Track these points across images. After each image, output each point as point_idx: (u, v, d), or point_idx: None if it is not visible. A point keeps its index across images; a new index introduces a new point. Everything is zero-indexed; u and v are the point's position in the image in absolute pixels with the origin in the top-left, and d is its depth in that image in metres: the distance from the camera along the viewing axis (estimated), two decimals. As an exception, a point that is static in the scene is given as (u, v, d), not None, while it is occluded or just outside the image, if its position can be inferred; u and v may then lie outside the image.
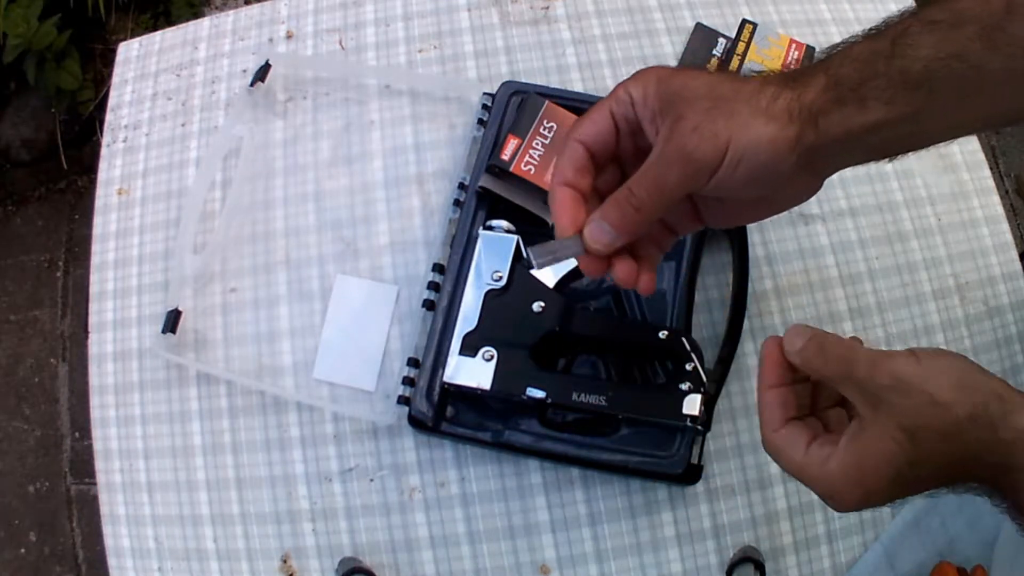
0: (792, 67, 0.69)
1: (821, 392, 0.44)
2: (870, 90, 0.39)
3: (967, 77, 0.39)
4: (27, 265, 1.64)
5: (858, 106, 0.40)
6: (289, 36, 0.75)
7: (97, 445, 0.65)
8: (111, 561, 0.62)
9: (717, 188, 0.41)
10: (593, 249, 0.43)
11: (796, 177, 0.42)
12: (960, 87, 0.39)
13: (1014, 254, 0.68)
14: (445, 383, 0.57)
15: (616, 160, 0.45)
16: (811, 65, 0.41)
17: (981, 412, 0.38)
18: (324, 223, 0.68)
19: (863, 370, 0.40)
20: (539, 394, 0.54)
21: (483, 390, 0.55)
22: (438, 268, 0.63)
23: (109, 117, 0.74)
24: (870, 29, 0.41)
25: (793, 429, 0.42)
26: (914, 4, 0.74)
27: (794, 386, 0.43)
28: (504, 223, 0.60)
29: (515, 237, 0.59)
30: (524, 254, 0.59)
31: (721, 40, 0.72)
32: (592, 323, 0.58)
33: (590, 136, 0.44)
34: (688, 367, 0.54)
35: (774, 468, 0.61)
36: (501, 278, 0.58)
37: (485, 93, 0.68)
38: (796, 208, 0.68)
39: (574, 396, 0.54)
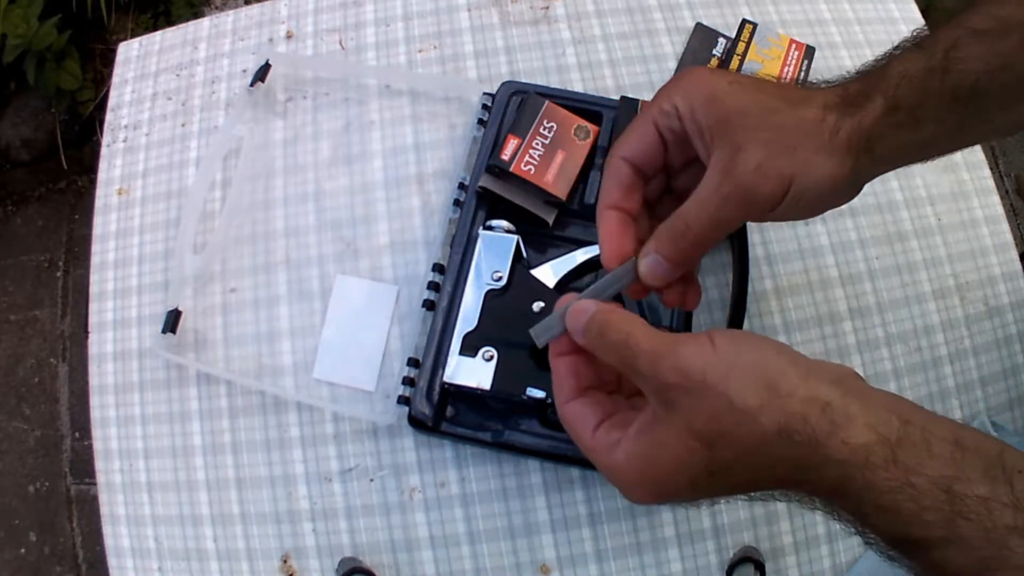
0: (793, 67, 0.69)
1: None
2: (925, 111, 0.39)
3: (1012, 87, 0.38)
4: (27, 265, 1.64)
5: (912, 127, 0.39)
6: (289, 36, 0.75)
7: (97, 445, 0.65)
8: (111, 561, 0.62)
9: (771, 217, 0.41)
10: (650, 284, 0.42)
11: (842, 196, 0.42)
12: (1004, 96, 0.39)
13: (1014, 254, 0.68)
14: (445, 383, 0.57)
15: (663, 169, 0.44)
16: (869, 83, 0.39)
17: (798, 426, 0.32)
18: (324, 223, 0.68)
19: (644, 364, 0.35)
20: (539, 394, 0.54)
21: (483, 390, 0.55)
22: (438, 268, 0.63)
23: (109, 117, 0.74)
24: (918, 37, 0.40)
25: (585, 404, 0.38)
26: (921, 19, 0.74)
27: (588, 355, 0.39)
28: (504, 223, 0.60)
29: (515, 237, 0.59)
30: (525, 254, 0.59)
31: (721, 40, 0.72)
32: (592, 323, 0.58)
33: (634, 151, 0.42)
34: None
35: (774, 468, 0.61)
36: (501, 278, 0.58)
37: (485, 93, 0.68)
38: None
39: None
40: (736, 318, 0.61)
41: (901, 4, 0.75)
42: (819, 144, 0.38)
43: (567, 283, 0.59)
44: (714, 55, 0.72)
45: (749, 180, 0.38)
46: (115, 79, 0.76)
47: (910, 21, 0.74)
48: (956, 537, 0.31)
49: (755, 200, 0.39)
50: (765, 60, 0.68)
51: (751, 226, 0.65)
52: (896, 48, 0.40)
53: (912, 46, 0.40)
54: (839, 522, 0.35)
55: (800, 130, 0.39)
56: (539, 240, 0.62)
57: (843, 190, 0.40)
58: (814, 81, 0.42)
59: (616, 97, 0.65)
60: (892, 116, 0.39)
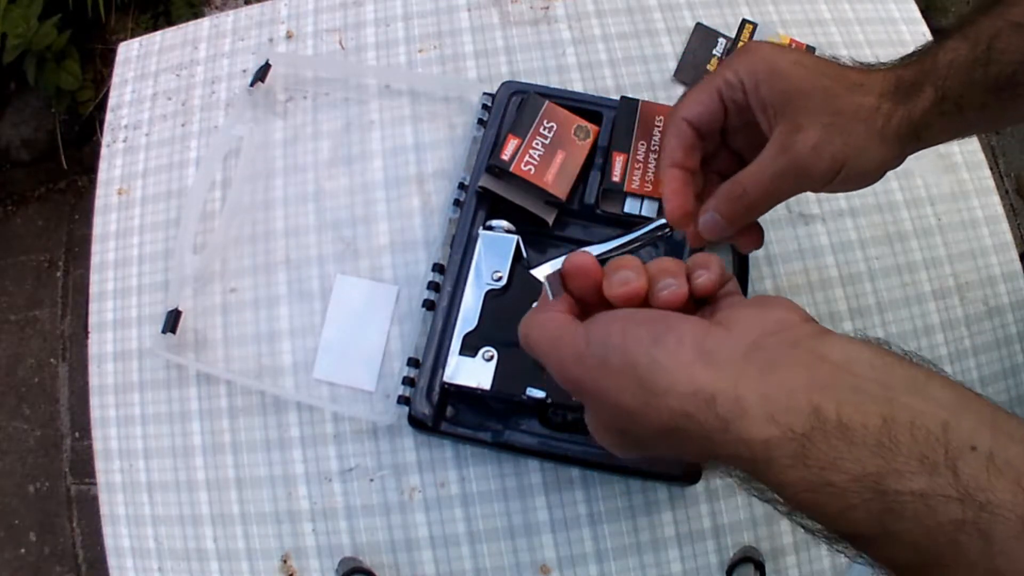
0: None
1: None
2: (969, 99, 0.41)
3: None
4: (27, 265, 1.64)
5: (956, 114, 0.42)
6: (289, 36, 0.75)
7: (97, 445, 0.65)
8: (111, 561, 0.62)
9: (820, 190, 0.44)
10: (706, 237, 0.45)
11: (885, 174, 0.45)
12: None
13: (1014, 254, 0.68)
14: (445, 383, 0.56)
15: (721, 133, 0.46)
16: (921, 72, 0.42)
17: (684, 424, 0.30)
18: (324, 223, 0.68)
19: (549, 367, 0.36)
20: (539, 394, 0.54)
21: (483, 390, 0.55)
22: (438, 268, 0.63)
23: (109, 117, 0.74)
24: (962, 24, 0.43)
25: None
26: (921, 19, 0.74)
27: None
28: (504, 223, 0.60)
29: (515, 237, 0.59)
30: (525, 254, 0.59)
31: (721, 40, 0.72)
32: (592, 323, 0.58)
33: (697, 115, 0.44)
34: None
35: (774, 468, 0.61)
36: (501, 278, 0.58)
37: (485, 93, 0.68)
38: (796, 208, 0.68)
39: (574, 396, 0.54)
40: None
41: (901, 4, 0.75)
42: (872, 131, 0.42)
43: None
44: (714, 55, 0.72)
45: (805, 158, 0.41)
46: (115, 79, 0.76)
47: (910, 21, 0.74)
48: (893, 535, 0.27)
49: (808, 176, 0.42)
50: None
51: (751, 226, 0.65)
52: (942, 34, 0.43)
53: (958, 35, 0.43)
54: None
55: (856, 116, 0.41)
56: (539, 240, 0.62)
57: (887, 170, 0.44)
58: (870, 64, 0.44)
59: (616, 97, 0.65)
60: (940, 105, 0.41)
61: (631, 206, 0.62)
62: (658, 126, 0.63)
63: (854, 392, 0.28)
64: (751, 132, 0.44)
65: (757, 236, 0.47)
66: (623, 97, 0.64)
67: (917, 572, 0.28)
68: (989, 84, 0.41)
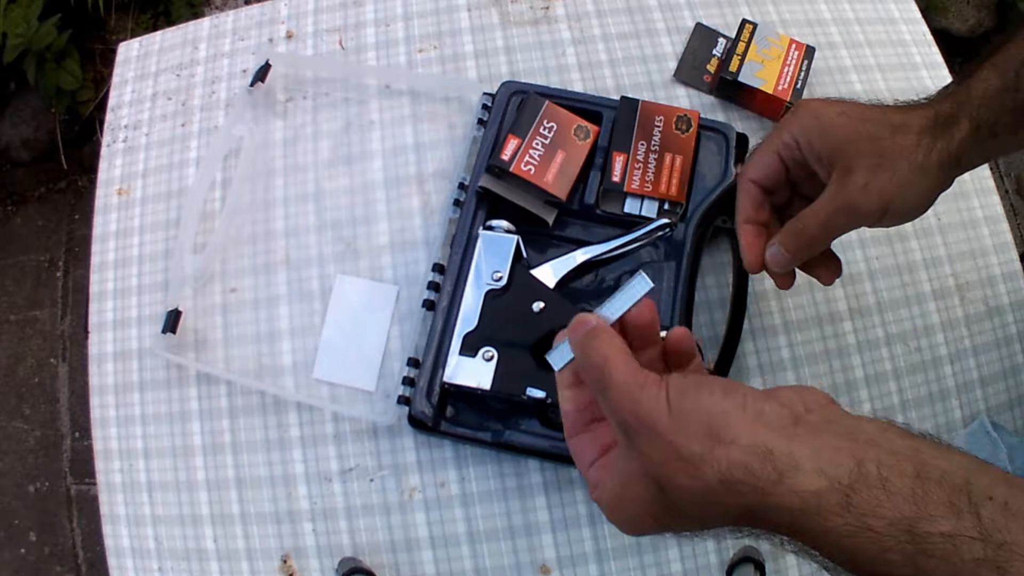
0: (793, 67, 0.69)
1: None
2: (1002, 126, 0.46)
3: None
4: (27, 265, 1.64)
5: (990, 141, 0.47)
6: (289, 36, 0.75)
7: (97, 445, 0.65)
8: (111, 561, 0.62)
9: (873, 225, 0.50)
10: (772, 270, 0.53)
11: (932, 204, 0.49)
12: None
13: (1014, 254, 0.68)
14: (445, 383, 0.57)
15: (787, 184, 0.53)
16: (956, 105, 0.47)
17: (740, 476, 0.32)
18: (324, 223, 0.68)
19: (613, 397, 0.35)
20: (539, 394, 0.54)
21: (483, 390, 0.55)
22: (438, 268, 0.63)
23: (109, 117, 0.74)
24: (992, 53, 0.47)
25: (584, 440, 0.39)
26: (921, 18, 0.74)
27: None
28: (504, 223, 0.60)
29: (515, 237, 0.59)
30: (525, 254, 0.59)
31: (721, 40, 0.72)
32: (592, 323, 0.58)
33: (762, 176, 0.52)
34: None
35: (774, 468, 0.61)
36: (501, 278, 0.58)
37: (485, 93, 0.68)
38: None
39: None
40: (736, 318, 0.61)
41: (901, 4, 0.75)
42: (914, 166, 0.47)
43: (567, 283, 0.59)
44: (714, 55, 0.72)
45: (856, 196, 0.47)
46: (115, 79, 0.76)
47: (910, 21, 0.74)
48: (923, 573, 0.31)
49: (859, 212, 0.48)
50: (765, 60, 0.68)
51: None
52: (973, 65, 0.48)
53: (988, 64, 0.47)
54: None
55: (900, 155, 0.47)
56: (539, 240, 0.62)
57: (935, 197, 0.49)
58: (911, 101, 0.50)
59: (616, 97, 0.65)
60: (976, 134, 0.46)
61: (631, 206, 0.62)
62: (658, 126, 0.63)
63: (889, 453, 0.32)
64: (814, 181, 0.51)
65: (835, 267, 0.54)
66: (623, 97, 0.64)
67: None
68: (1019, 109, 0.45)
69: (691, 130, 0.62)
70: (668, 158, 0.62)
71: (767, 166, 0.52)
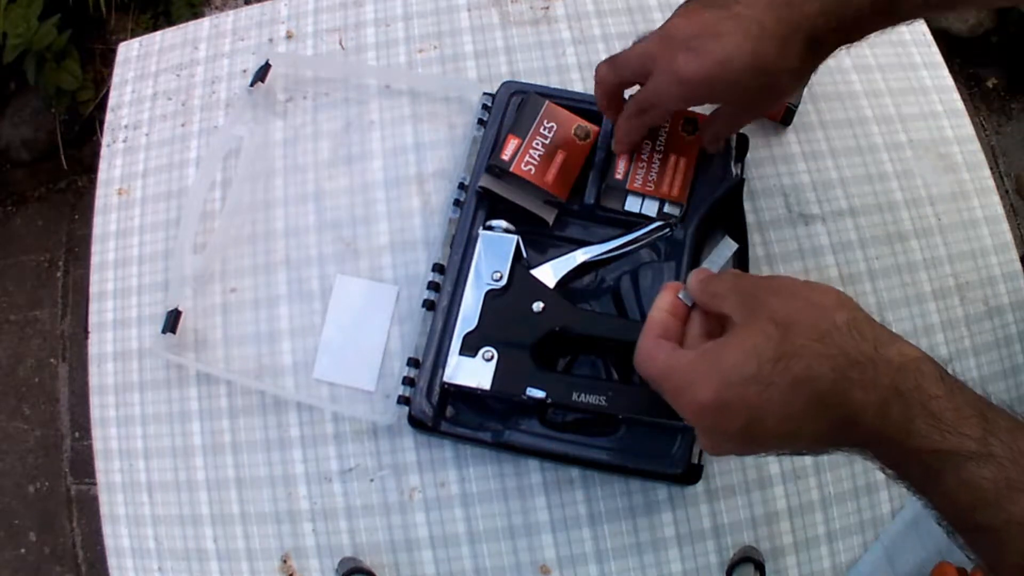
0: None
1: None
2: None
3: None
4: (27, 265, 1.64)
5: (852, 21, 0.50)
6: (289, 36, 0.75)
7: (97, 445, 0.65)
8: (111, 561, 0.62)
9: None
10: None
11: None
12: None
13: (1014, 254, 0.68)
14: (445, 383, 0.57)
15: None
16: None
17: (864, 327, 0.38)
18: (324, 223, 0.68)
19: (749, 282, 0.43)
20: (539, 394, 0.54)
21: (483, 390, 0.55)
22: (438, 268, 0.63)
23: (109, 117, 0.74)
24: None
25: (668, 342, 0.44)
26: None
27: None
28: (504, 223, 0.60)
29: (515, 237, 0.59)
30: (525, 254, 0.59)
31: (721, 40, 0.72)
32: (592, 323, 0.58)
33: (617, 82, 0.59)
34: (688, 367, 0.54)
35: (774, 468, 0.61)
36: (501, 278, 0.58)
37: (485, 93, 0.68)
38: (796, 208, 0.68)
39: (574, 396, 0.54)
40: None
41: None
42: (748, 34, 0.48)
43: (567, 283, 0.60)
44: (714, 55, 0.72)
45: (680, 65, 0.52)
46: (115, 79, 0.76)
47: (910, 21, 0.74)
48: (988, 453, 0.35)
49: (683, 78, 0.52)
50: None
51: (751, 226, 0.65)
52: None
53: None
54: (870, 453, 0.39)
55: (731, 27, 0.49)
56: (539, 240, 0.62)
57: (781, 68, 0.49)
58: None
59: (616, 97, 0.65)
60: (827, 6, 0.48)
61: (632, 204, 0.62)
62: (664, 127, 0.63)
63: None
64: None
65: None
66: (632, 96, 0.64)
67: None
68: None
69: (697, 133, 0.62)
70: (673, 159, 0.62)
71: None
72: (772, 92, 0.52)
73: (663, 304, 0.46)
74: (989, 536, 0.36)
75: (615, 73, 0.55)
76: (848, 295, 0.40)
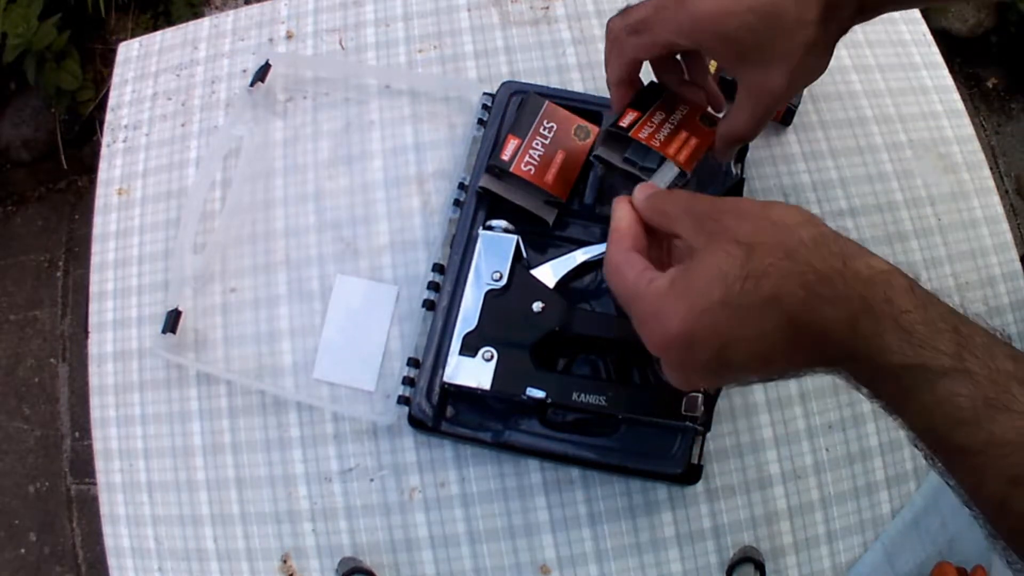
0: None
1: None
2: None
3: None
4: (27, 265, 1.64)
5: (874, 12, 0.49)
6: (289, 36, 0.75)
7: (97, 445, 0.65)
8: (111, 561, 0.62)
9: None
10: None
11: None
12: None
13: (1014, 254, 0.68)
14: (445, 383, 0.57)
15: None
16: None
17: (830, 241, 0.37)
18: (324, 223, 0.68)
19: (704, 203, 0.41)
20: (539, 394, 0.54)
21: (483, 390, 0.55)
22: (438, 268, 0.63)
23: (109, 117, 0.74)
24: None
25: (638, 255, 0.44)
26: (920, 18, 0.74)
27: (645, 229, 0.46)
28: (504, 223, 0.60)
29: (515, 237, 0.59)
30: (525, 254, 0.59)
31: (721, 40, 0.72)
32: (592, 323, 0.58)
33: (629, 78, 0.55)
34: (688, 367, 0.54)
35: (774, 468, 0.61)
36: (501, 278, 0.58)
37: (485, 93, 0.68)
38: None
39: (574, 396, 0.54)
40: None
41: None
42: (813, 52, 0.47)
43: (567, 283, 0.59)
44: (714, 55, 0.71)
45: (778, 93, 0.49)
46: (115, 79, 0.76)
47: (910, 21, 0.74)
48: (964, 369, 0.34)
49: (779, 104, 0.50)
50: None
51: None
52: None
53: None
54: (844, 371, 0.38)
55: (803, 47, 0.47)
56: (539, 240, 0.62)
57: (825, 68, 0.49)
58: None
59: (616, 97, 0.65)
60: (861, 12, 0.47)
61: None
62: (681, 109, 0.60)
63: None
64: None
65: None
66: (651, 82, 0.63)
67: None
68: None
69: (713, 127, 0.59)
70: (684, 134, 0.57)
71: (631, 67, 0.52)
72: (782, 49, 0.47)
73: (623, 214, 0.46)
74: (968, 458, 0.35)
75: (623, 19, 0.51)
76: (809, 210, 0.40)
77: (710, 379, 0.41)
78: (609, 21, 0.51)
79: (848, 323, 0.36)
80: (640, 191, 0.46)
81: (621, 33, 0.50)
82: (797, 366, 0.39)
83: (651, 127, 0.56)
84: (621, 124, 0.54)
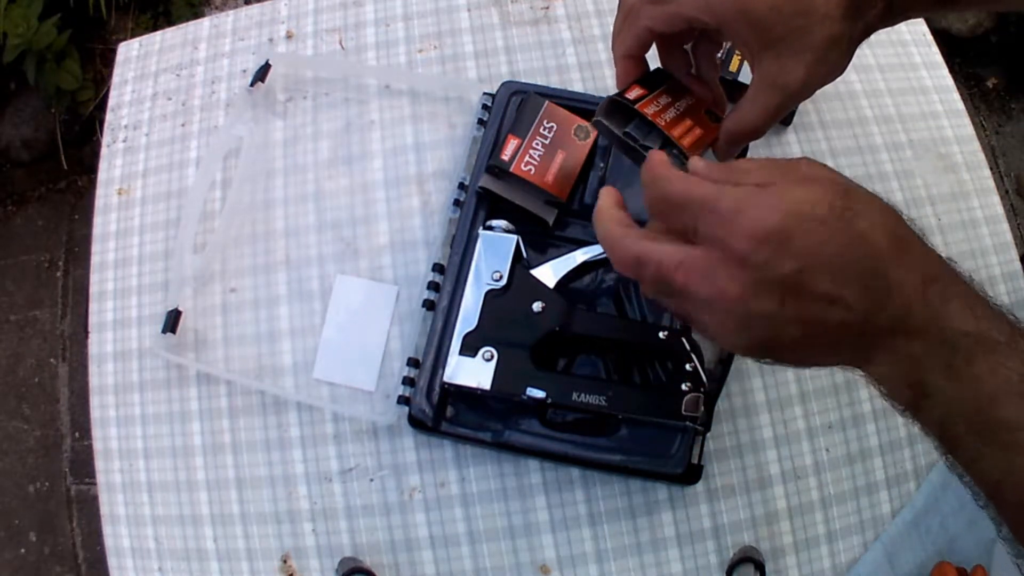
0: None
1: None
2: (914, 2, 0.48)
3: None
4: (27, 265, 1.64)
5: (900, 16, 0.48)
6: (289, 36, 0.75)
7: (97, 445, 0.65)
8: (111, 561, 0.62)
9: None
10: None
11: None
12: None
13: (1014, 254, 0.68)
14: (445, 383, 0.57)
15: None
16: None
17: (902, 218, 0.38)
18: (324, 223, 0.68)
19: (755, 164, 0.40)
20: (539, 394, 0.54)
21: (483, 390, 0.55)
22: (438, 268, 0.63)
23: (109, 117, 0.74)
24: None
25: (663, 240, 0.41)
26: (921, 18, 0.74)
27: None
28: (504, 223, 0.60)
29: (515, 237, 0.59)
30: (525, 254, 0.59)
31: (721, 40, 0.72)
32: (592, 323, 0.58)
33: (637, 49, 0.52)
34: (688, 367, 0.54)
35: (774, 468, 0.61)
36: (501, 278, 0.58)
37: (485, 93, 0.68)
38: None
39: (574, 396, 0.54)
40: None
41: None
42: (836, 49, 0.46)
43: (567, 283, 0.59)
44: (714, 55, 0.71)
45: (794, 88, 0.47)
46: (115, 79, 0.76)
47: (910, 20, 0.74)
48: (1018, 349, 0.36)
49: (795, 100, 0.47)
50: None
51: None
52: None
53: None
54: (900, 341, 0.37)
55: (827, 41, 0.45)
56: (539, 240, 0.62)
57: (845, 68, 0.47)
58: None
59: (616, 97, 0.65)
60: (888, 13, 0.46)
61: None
62: (688, 99, 0.59)
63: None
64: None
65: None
66: (657, 68, 0.62)
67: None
68: None
69: (718, 122, 0.58)
70: (689, 122, 0.55)
71: (641, 41, 0.49)
72: (805, 40, 0.45)
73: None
74: (1007, 434, 0.36)
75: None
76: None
77: (770, 303, 0.36)
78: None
79: (918, 288, 0.37)
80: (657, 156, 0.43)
81: (639, 2, 0.48)
82: (856, 318, 0.37)
83: (657, 107, 0.53)
84: (628, 96, 0.52)
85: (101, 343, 0.67)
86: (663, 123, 0.52)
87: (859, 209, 0.37)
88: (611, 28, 0.72)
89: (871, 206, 0.37)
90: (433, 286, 0.62)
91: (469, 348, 0.56)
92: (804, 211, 0.36)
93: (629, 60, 0.50)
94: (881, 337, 0.37)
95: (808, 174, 0.38)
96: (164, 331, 0.63)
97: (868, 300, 0.36)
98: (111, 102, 0.75)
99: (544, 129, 0.63)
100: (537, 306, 0.56)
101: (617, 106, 0.52)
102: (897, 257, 0.37)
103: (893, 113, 0.71)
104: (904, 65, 0.73)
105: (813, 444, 0.61)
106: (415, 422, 0.59)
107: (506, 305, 0.57)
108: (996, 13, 1.65)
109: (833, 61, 0.46)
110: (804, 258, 0.35)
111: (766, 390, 0.62)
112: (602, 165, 0.63)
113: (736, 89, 0.68)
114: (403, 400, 0.59)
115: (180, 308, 0.65)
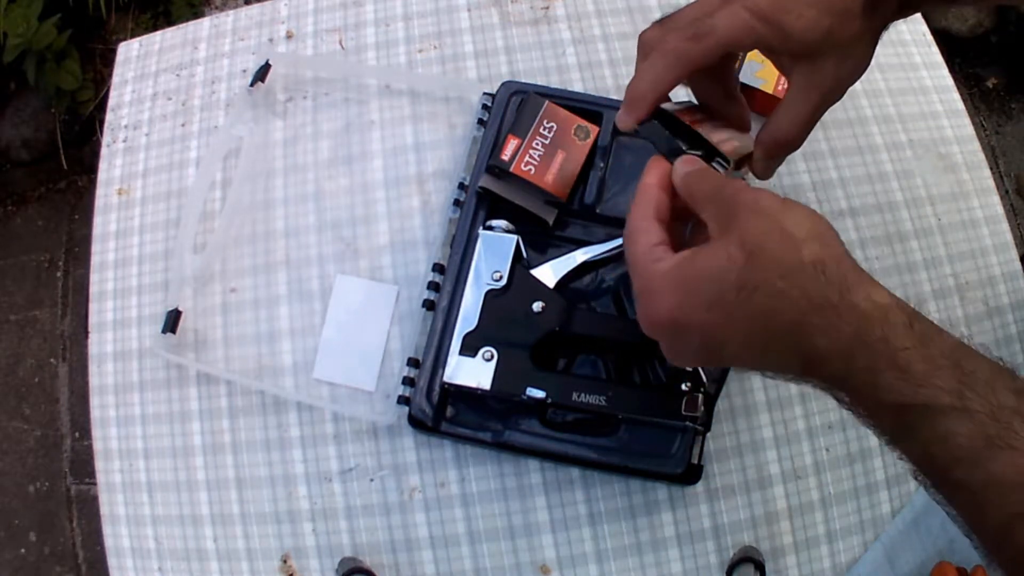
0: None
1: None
2: None
3: None
4: (27, 265, 1.64)
5: (911, 9, 0.47)
6: (289, 36, 0.75)
7: (97, 445, 0.65)
8: (111, 561, 0.62)
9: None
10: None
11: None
12: None
13: (1014, 254, 0.68)
14: (445, 383, 0.57)
15: None
16: None
17: (831, 267, 0.36)
18: (324, 223, 0.68)
19: (730, 190, 0.40)
20: (539, 394, 0.54)
21: (483, 390, 0.55)
22: (438, 268, 0.63)
23: (109, 117, 0.74)
24: None
25: (657, 224, 0.42)
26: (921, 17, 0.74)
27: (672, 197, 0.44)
28: (504, 223, 0.60)
29: (515, 237, 0.59)
30: (525, 254, 0.59)
31: (721, 40, 0.72)
32: (592, 323, 0.58)
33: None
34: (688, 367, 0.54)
35: (774, 468, 0.61)
36: (501, 278, 0.58)
37: (485, 93, 0.68)
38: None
39: (574, 396, 0.54)
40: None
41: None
42: (858, 47, 0.46)
43: (567, 283, 0.59)
44: (714, 55, 0.71)
45: (830, 90, 0.46)
46: (115, 79, 0.76)
47: (910, 20, 0.74)
48: (963, 407, 0.34)
49: (830, 103, 0.47)
50: (765, 60, 0.68)
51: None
52: None
53: None
54: (843, 395, 0.37)
55: (851, 40, 0.45)
56: (539, 240, 0.62)
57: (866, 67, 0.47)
58: None
59: (616, 97, 0.65)
60: (901, 9, 0.46)
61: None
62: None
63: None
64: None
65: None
66: None
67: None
68: None
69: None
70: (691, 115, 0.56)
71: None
72: (834, 40, 0.44)
73: (653, 179, 0.44)
74: (967, 495, 0.35)
75: (669, 29, 0.44)
76: (826, 222, 0.39)
77: (698, 362, 0.42)
78: (646, 33, 0.46)
79: (843, 355, 0.36)
80: (681, 165, 0.44)
81: (673, 42, 0.44)
82: (793, 376, 0.39)
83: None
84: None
85: (101, 343, 0.67)
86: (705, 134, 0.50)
87: (757, 284, 0.36)
88: (611, 28, 0.73)
89: (774, 276, 0.36)
90: (433, 286, 0.62)
91: (469, 348, 0.56)
92: (693, 301, 0.38)
93: (656, 102, 0.46)
94: (830, 387, 0.38)
95: (744, 234, 0.37)
96: (164, 331, 0.63)
97: (790, 367, 0.38)
98: (111, 102, 0.75)
99: (544, 129, 0.63)
100: (537, 306, 0.56)
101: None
102: (808, 328, 0.36)
103: (893, 113, 0.71)
104: (904, 65, 0.73)
105: (813, 444, 0.61)
106: (415, 422, 0.59)
107: (506, 305, 0.57)
108: (996, 13, 1.65)
109: (859, 56, 0.46)
110: (701, 337, 0.38)
111: (766, 390, 0.62)
112: (602, 165, 0.63)
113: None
114: (403, 400, 0.59)
115: (180, 308, 0.65)
